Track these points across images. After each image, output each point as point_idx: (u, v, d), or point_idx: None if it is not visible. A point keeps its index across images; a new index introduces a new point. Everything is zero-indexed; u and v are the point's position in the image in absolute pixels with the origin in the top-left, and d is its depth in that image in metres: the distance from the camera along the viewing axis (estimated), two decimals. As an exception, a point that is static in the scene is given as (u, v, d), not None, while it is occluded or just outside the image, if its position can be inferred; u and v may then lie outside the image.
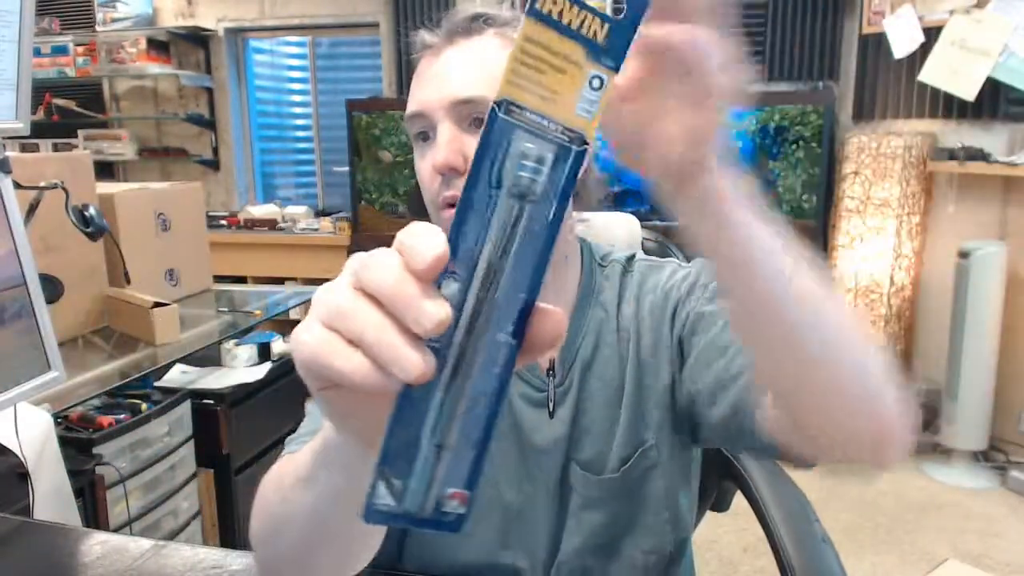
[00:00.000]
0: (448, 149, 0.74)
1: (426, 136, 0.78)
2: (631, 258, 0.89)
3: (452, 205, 0.75)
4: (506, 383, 0.34)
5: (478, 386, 0.34)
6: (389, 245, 0.34)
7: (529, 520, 0.83)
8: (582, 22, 0.33)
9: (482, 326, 0.33)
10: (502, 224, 0.33)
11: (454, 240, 0.32)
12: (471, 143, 0.75)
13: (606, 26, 0.33)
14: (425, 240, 0.32)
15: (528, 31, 0.32)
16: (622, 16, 0.33)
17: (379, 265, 0.33)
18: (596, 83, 0.33)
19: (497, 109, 0.32)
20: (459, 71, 0.75)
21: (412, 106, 0.78)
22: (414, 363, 0.32)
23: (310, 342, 0.34)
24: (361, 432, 0.39)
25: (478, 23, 0.77)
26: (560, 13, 0.32)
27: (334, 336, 0.34)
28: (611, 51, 0.33)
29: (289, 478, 0.53)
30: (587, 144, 0.33)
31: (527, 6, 0.32)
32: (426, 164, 0.77)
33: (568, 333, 0.82)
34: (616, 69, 0.33)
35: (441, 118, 0.75)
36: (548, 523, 0.83)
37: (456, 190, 0.75)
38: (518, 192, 0.33)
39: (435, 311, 0.31)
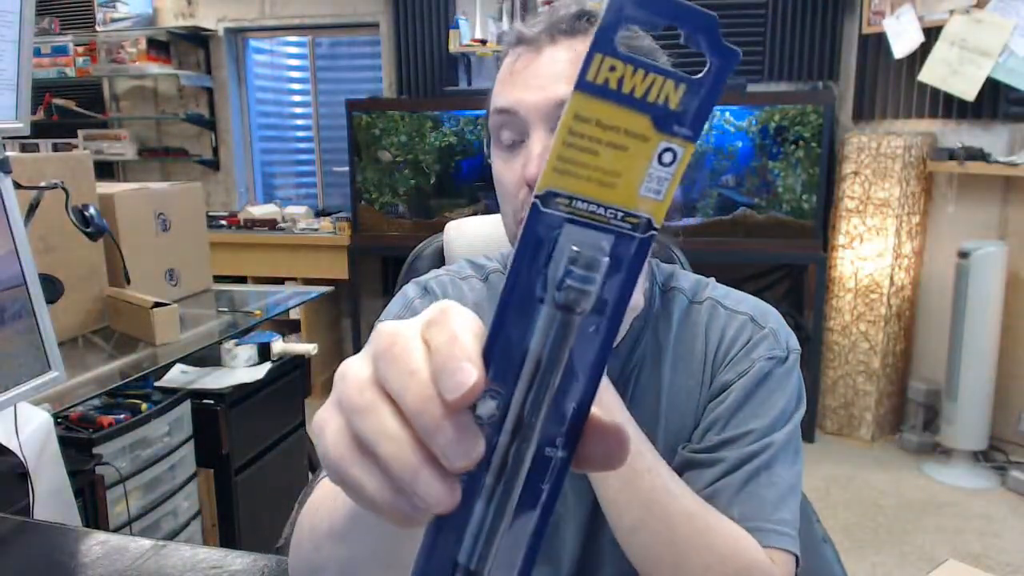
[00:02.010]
0: (543, 161, 0.70)
1: (513, 140, 0.74)
2: (698, 288, 0.84)
3: None
4: (555, 498, 0.29)
5: (522, 505, 0.29)
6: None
7: (558, 537, 0.81)
8: (649, 88, 0.27)
9: (526, 443, 0.28)
10: (549, 335, 0.28)
11: (491, 351, 0.28)
12: None
13: (681, 87, 0.27)
14: (457, 360, 0.27)
15: (577, 108, 0.27)
16: (704, 72, 0.27)
17: (402, 369, 0.28)
18: (668, 157, 0.27)
19: (539, 204, 0.27)
20: (562, 72, 0.71)
21: (503, 101, 0.73)
22: (434, 496, 0.27)
23: (328, 439, 0.30)
24: (391, 520, 0.37)
25: (582, 22, 0.73)
26: (620, 81, 0.26)
27: (351, 438, 0.30)
28: (687, 117, 0.27)
29: (324, 525, 0.52)
30: (654, 229, 0.28)
31: (577, 79, 0.26)
32: (512, 172, 0.73)
33: (618, 358, 0.80)
34: (694, 138, 0.27)
35: (536, 123, 0.71)
36: (576, 546, 0.81)
37: None
38: (566, 303, 0.28)
39: (466, 449, 0.27)
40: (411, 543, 0.31)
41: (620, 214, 0.28)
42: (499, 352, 0.28)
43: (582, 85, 0.26)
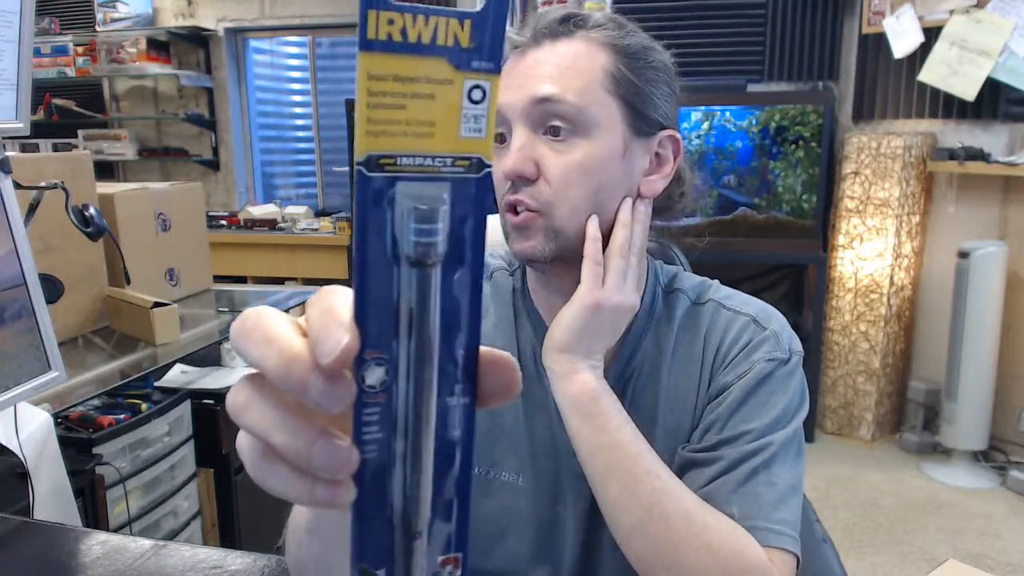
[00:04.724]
0: (519, 156, 0.73)
1: (503, 138, 0.76)
2: (701, 290, 0.85)
3: (515, 209, 0.75)
4: (469, 441, 0.30)
5: (439, 456, 0.30)
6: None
7: (559, 538, 0.82)
8: (435, 31, 0.26)
9: (425, 399, 0.29)
10: (412, 292, 0.28)
11: (362, 320, 0.28)
12: (543, 151, 0.74)
13: (467, 23, 0.27)
14: (329, 328, 0.27)
15: (368, 67, 0.26)
16: (484, 3, 0.27)
17: (258, 339, 0.29)
18: (477, 94, 0.27)
19: (364, 170, 0.27)
20: (541, 71, 0.74)
21: None
22: (333, 461, 0.28)
23: (245, 460, 0.31)
24: (334, 508, 0.38)
25: (567, 25, 0.76)
26: (402, 31, 0.26)
27: (256, 451, 0.31)
28: (483, 50, 0.27)
29: (302, 522, 0.53)
30: (487, 166, 0.28)
31: (359, 41, 0.26)
32: (498, 167, 0.76)
33: (620, 360, 0.81)
34: (496, 69, 0.27)
35: (516, 120, 0.74)
36: (576, 546, 0.81)
37: (524, 196, 0.74)
38: (417, 257, 0.28)
39: (340, 393, 0.27)
40: None
41: (449, 160, 0.28)
42: (371, 319, 0.28)
43: (365, 45, 0.26)
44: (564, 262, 0.76)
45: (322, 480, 0.29)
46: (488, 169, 0.28)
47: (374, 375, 0.28)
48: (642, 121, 0.77)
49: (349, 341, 0.27)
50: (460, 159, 0.28)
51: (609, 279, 0.74)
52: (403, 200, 0.27)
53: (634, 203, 0.78)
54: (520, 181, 0.74)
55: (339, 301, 0.29)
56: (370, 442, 0.29)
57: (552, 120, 0.73)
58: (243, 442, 0.32)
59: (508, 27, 0.78)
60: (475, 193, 0.28)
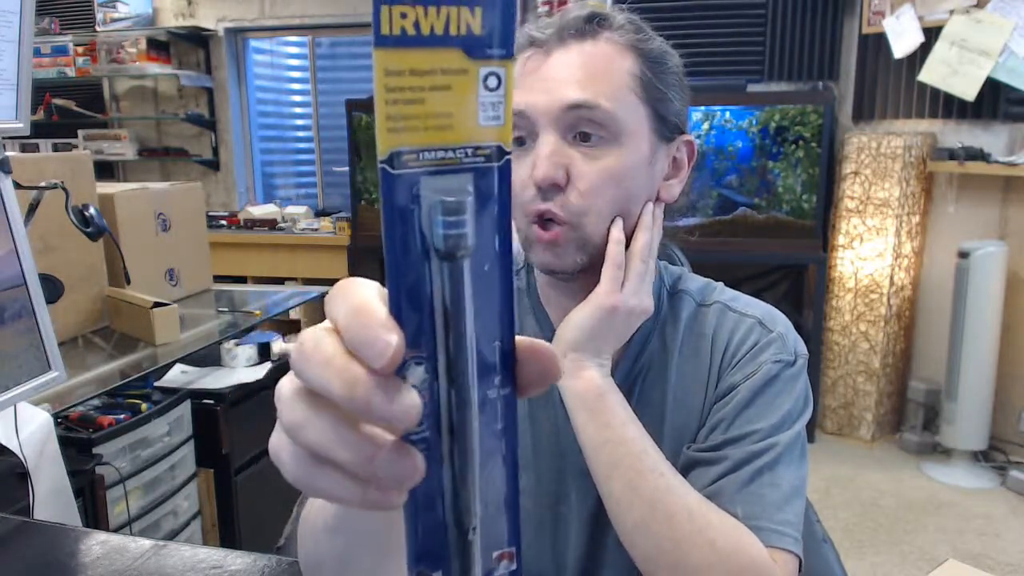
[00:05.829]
0: (550, 163, 0.71)
1: (522, 140, 0.75)
2: (706, 292, 0.84)
3: (543, 218, 0.74)
4: (514, 433, 0.31)
5: (486, 450, 0.30)
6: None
7: (562, 536, 0.82)
8: (447, 21, 0.26)
9: (466, 394, 0.29)
10: (445, 287, 0.28)
11: (398, 320, 0.28)
12: (573, 157, 0.73)
13: (477, 11, 0.26)
14: (370, 329, 0.27)
15: (384, 63, 0.26)
16: None
17: (316, 362, 0.28)
18: (492, 82, 0.27)
19: (388, 168, 0.27)
20: (570, 75, 0.72)
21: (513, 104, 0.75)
22: (401, 472, 0.28)
23: (286, 463, 0.31)
24: (374, 509, 0.37)
25: (592, 25, 0.74)
26: (415, 25, 0.26)
27: (303, 456, 0.31)
28: (495, 37, 0.27)
29: (319, 521, 0.53)
30: (508, 153, 0.28)
31: (373, 38, 0.26)
32: (520, 171, 0.74)
33: (627, 359, 0.81)
34: (510, 55, 0.27)
35: (545, 125, 0.73)
36: (580, 544, 0.82)
37: (552, 204, 0.73)
38: (447, 251, 0.28)
39: (404, 407, 0.27)
40: (400, 526, 0.33)
41: (469, 150, 0.28)
42: (407, 318, 0.28)
43: (380, 41, 0.26)
44: (585, 269, 0.76)
45: (374, 485, 0.29)
46: (508, 156, 0.28)
47: (415, 375, 0.28)
48: (665, 126, 0.77)
49: (398, 341, 0.27)
50: (480, 148, 0.28)
51: (629, 283, 0.75)
52: (429, 194, 0.27)
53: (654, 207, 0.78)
54: (552, 190, 0.73)
55: (368, 297, 0.28)
56: (417, 442, 0.29)
57: (583, 126, 0.72)
58: (281, 445, 0.32)
59: (528, 24, 0.78)
60: (498, 181, 0.28)
